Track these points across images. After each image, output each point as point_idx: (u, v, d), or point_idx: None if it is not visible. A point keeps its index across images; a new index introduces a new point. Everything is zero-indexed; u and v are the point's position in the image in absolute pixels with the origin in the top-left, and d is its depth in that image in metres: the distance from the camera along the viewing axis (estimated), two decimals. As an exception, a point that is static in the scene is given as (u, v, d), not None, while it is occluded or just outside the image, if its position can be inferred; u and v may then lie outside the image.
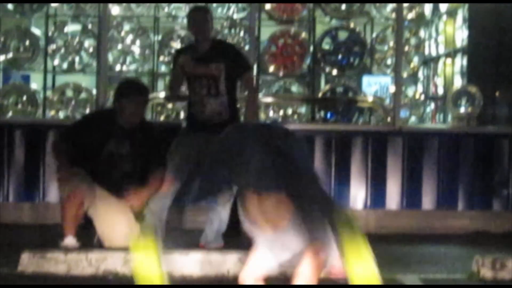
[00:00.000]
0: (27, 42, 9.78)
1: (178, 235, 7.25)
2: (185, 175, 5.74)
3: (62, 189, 6.39)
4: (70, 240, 6.31)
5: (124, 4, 9.91)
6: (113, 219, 6.40)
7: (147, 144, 6.49)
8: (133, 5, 9.94)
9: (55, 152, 6.59)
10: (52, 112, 9.54)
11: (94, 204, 6.39)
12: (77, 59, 9.74)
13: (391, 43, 10.01)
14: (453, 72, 10.69)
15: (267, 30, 9.94)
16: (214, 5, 9.93)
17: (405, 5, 9.53)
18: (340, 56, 9.85)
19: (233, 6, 9.90)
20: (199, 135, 6.56)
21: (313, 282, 4.19)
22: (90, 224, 6.57)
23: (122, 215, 6.40)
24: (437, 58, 11.07)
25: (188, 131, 6.87)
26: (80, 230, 6.50)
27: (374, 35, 10.32)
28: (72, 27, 9.84)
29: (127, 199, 6.36)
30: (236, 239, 7.30)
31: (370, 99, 9.89)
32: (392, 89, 9.82)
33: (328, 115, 9.95)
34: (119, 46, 9.83)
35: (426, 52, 10.92)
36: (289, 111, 9.87)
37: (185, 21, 10.34)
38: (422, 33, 10.69)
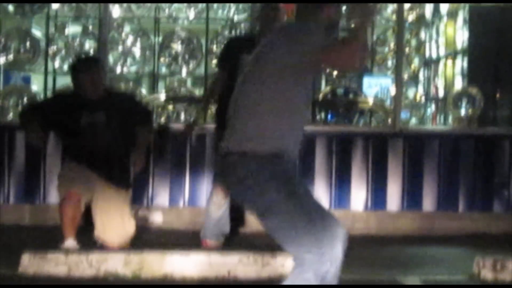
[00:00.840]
0: (28, 44, 9.78)
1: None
2: None
3: (60, 189, 6.53)
4: (70, 243, 6.36)
5: (124, 6, 9.90)
6: (110, 216, 6.51)
7: (121, 109, 6.64)
8: (133, 7, 9.93)
9: (22, 120, 6.76)
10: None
11: (94, 199, 6.51)
12: (77, 60, 9.74)
13: (392, 45, 10.01)
14: (453, 73, 10.69)
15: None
16: (215, 6, 9.94)
17: (406, 6, 9.53)
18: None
19: (233, 8, 9.90)
20: None
21: None
22: (90, 225, 6.62)
23: (118, 212, 6.53)
24: (438, 59, 11.07)
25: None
26: (81, 231, 6.53)
27: (374, 36, 10.32)
28: (72, 29, 9.85)
29: (136, 166, 6.65)
30: (236, 240, 7.32)
31: (370, 100, 9.89)
32: (392, 90, 9.81)
33: (329, 116, 9.94)
34: (120, 48, 9.83)
35: (427, 53, 10.92)
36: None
37: (185, 22, 10.41)
38: (422, 34, 10.69)
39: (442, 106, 10.73)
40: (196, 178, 8.24)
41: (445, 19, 10.83)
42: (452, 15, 10.67)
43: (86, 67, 6.66)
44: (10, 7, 9.64)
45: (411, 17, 10.25)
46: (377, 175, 8.33)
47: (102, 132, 6.54)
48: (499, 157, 8.47)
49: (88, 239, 6.57)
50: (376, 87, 10.31)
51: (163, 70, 10.15)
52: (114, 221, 6.54)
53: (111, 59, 9.64)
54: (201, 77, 10.22)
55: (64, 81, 10.01)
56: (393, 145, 8.39)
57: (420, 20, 10.52)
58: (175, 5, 10.06)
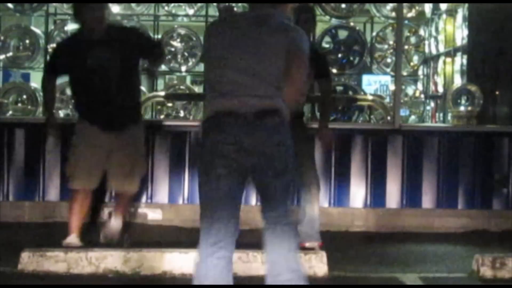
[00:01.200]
0: (27, 41, 9.78)
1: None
2: None
3: (72, 177, 6.57)
4: (73, 239, 6.40)
5: (124, 3, 9.90)
6: (123, 166, 6.57)
7: (127, 42, 6.56)
8: (133, 4, 9.93)
9: (42, 89, 7.09)
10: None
11: (109, 159, 6.56)
12: (77, 57, 9.73)
13: (391, 42, 10.02)
14: (453, 70, 10.69)
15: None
16: (214, 3, 9.94)
17: (405, 4, 9.53)
18: (340, 55, 9.85)
19: (233, 7, 9.90)
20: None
21: None
22: (95, 223, 6.74)
23: (132, 159, 6.59)
24: (437, 56, 11.07)
25: None
26: (85, 229, 6.61)
27: (374, 33, 10.32)
28: (72, 26, 9.83)
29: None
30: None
31: (370, 97, 9.89)
32: (392, 87, 9.82)
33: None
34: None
35: (426, 50, 10.92)
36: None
37: (185, 19, 10.41)
38: (422, 31, 10.69)
39: (441, 103, 10.73)
40: (196, 175, 8.21)
41: (444, 16, 10.83)
42: (452, 12, 10.66)
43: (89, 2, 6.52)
44: (10, 5, 9.63)
45: (410, 14, 10.25)
46: (377, 172, 8.34)
47: (109, 70, 6.47)
48: (498, 154, 8.47)
49: (92, 238, 6.60)
50: (375, 84, 10.32)
51: (163, 67, 10.14)
52: (126, 168, 6.56)
53: (110, 56, 9.63)
54: (200, 75, 10.21)
55: (63, 79, 10.00)
56: (393, 143, 8.39)
57: (420, 17, 10.52)
58: (174, 2, 10.05)
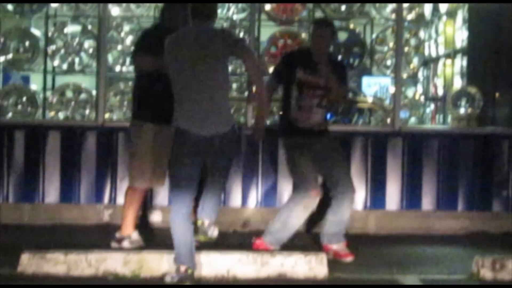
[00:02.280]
0: (27, 43, 9.77)
1: None
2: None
3: (140, 177, 6.88)
4: (135, 236, 6.91)
5: (124, 5, 9.89)
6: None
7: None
8: (133, 6, 9.92)
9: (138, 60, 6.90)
10: (52, 113, 9.53)
11: None
12: (77, 59, 9.73)
13: (391, 44, 10.01)
14: (453, 72, 10.69)
15: (267, 31, 9.94)
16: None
17: (405, 5, 9.52)
18: (340, 57, 9.84)
19: (233, 7, 9.89)
20: (312, 143, 6.98)
21: None
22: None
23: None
24: (437, 59, 11.07)
25: (298, 140, 7.03)
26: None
27: (374, 35, 10.31)
28: (72, 28, 9.83)
29: None
30: (235, 239, 7.32)
31: (370, 99, 9.89)
32: (392, 89, 9.81)
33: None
34: (119, 47, 9.83)
35: (426, 53, 10.92)
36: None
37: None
38: (422, 34, 10.69)
39: (441, 105, 10.73)
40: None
41: (444, 18, 10.84)
42: (452, 14, 10.67)
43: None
44: (10, 6, 9.63)
45: (410, 16, 10.24)
46: (376, 174, 8.34)
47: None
48: (498, 156, 8.47)
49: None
50: (375, 86, 10.31)
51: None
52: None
53: (110, 58, 9.63)
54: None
55: (63, 80, 10.02)
56: (392, 145, 8.39)
57: (420, 19, 10.52)
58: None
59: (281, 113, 7.26)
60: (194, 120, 5.86)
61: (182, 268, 5.79)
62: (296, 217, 6.86)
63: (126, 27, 9.90)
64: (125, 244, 6.73)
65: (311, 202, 6.84)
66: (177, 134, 5.90)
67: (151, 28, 7.39)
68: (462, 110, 9.73)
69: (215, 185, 6.11)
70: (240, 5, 9.81)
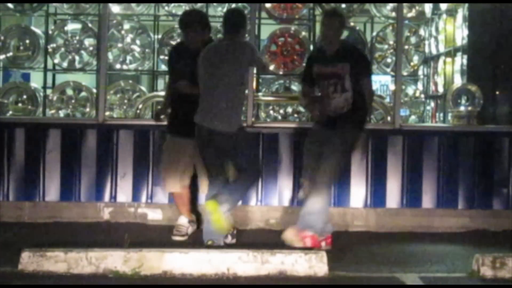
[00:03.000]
0: (27, 41, 9.78)
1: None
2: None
3: (168, 182, 7.50)
4: (182, 220, 7.55)
5: (124, 3, 9.90)
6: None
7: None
8: (133, 4, 9.93)
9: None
10: (53, 111, 9.55)
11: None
12: (77, 57, 9.75)
13: (391, 42, 10.02)
14: (453, 70, 10.69)
15: (267, 29, 9.95)
16: (214, 4, 9.93)
17: (405, 4, 9.53)
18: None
19: (233, 5, 9.89)
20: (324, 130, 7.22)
21: None
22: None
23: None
24: (437, 56, 11.07)
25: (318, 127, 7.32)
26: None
27: (374, 33, 10.32)
28: (72, 26, 9.85)
29: None
30: (235, 237, 7.32)
31: (370, 97, 9.88)
32: (392, 87, 9.82)
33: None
34: (119, 45, 9.84)
35: (426, 50, 10.92)
36: (289, 110, 9.88)
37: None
38: (422, 31, 10.69)
39: (441, 103, 10.73)
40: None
41: (444, 16, 10.83)
42: (452, 12, 10.66)
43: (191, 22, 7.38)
44: (10, 5, 9.63)
45: (410, 14, 10.25)
46: (377, 172, 8.34)
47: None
48: (498, 154, 8.48)
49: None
50: (375, 84, 10.31)
51: (163, 67, 10.15)
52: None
53: (110, 56, 9.64)
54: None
55: (64, 78, 10.02)
56: (393, 142, 8.39)
57: (420, 17, 10.52)
58: (174, 2, 10.04)
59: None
60: (204, 116, 6.98)
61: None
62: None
63: (126, 25, 9.91)
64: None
65: None
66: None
67: (180, 48, 7.66)
68: (462, 108, 9.73)
69: (228, 185, 7.04)
70: (240, 3, 9.81)
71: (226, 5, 9.87)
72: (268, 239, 7.52)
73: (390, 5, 9.95)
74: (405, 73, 10.34)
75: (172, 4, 10.06)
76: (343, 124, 7.03)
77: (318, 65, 7.24)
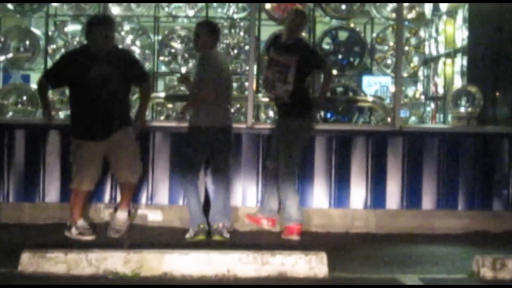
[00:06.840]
0: (27, 42, 9.79)
1: None
2: None
3: (75, 178, 7.44)
4: (81, 222, 7.44)
5: (124, 4, 9.91)
6: (123, 158, 7.49)
7: (124, 64, 7.41)
8: (133, 5, 9.94)
9: (38, 89, 7.74)
10: (53, 112, 9.53)
11: (107, 153, 7.45)
12: (77, 59, 9.73)
13: (391, 43, 10.04)
14: (453, 72, 10.70)
15: (267, 30, 9.95)
16: (214, 4, 9.94)
17: (405, 5, 9.54)
18: (340, 56, 9.86)
19: (233, 6, 9.91)
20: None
21: None
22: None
23: (129, 152, 7.50)
24: (437, 58, 11.08)
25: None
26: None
27: (374, 35, 10.34)
28: (72, 27, 9.86)
29: (138, 124, 7.59)
30: (236, 238, 7.32)
31: (370, 99, 9.90)
32: (392, 89, 9.83)
33: (328, 115, 9.96)
34: (120, 46, 9.83)
35: (426, 52, 10.93)
36: (289, 111, 9.87)
37: (185, 20, 10.42)
38: (422, 33, 10.70)
39: (441, 104, 10.74)
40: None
41: (444, 17, 10.85)
42: (452, 13, 10.68)
43: (102, 23, 7.37)
44: (10, 6, 9.64)
45: (410, 16, 10.26)
46: (377, 173, 8.34)
47: (106, 84, 7.25)
48: (498, 155, 8.47)
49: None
50: (375, 85, 10.33)
51: (163, 68, 10.16)
52: (127, 159, 7.44)
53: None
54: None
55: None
56: (393, 144, 8.39)
57: (420, 18, 10.53)
58: (175, 3, 10.06)
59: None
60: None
61: (195, 226, 7.41)
62: None
63: (127, 26, 9.93)
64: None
65: None
66: None
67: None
68: (462, 109, 9.74)
69: (219, 186, 7.62)
70: (240, 4, 9.83)
71: (226, 5, 9.88)
72: (268, 240, 7.52)
73: (390, 7, 9.96)
74: (405, 74, 10.35)
75: (172, 5, 10.08)
76: (284, 115, 7.71)
77: (273, 51, 7.78)
